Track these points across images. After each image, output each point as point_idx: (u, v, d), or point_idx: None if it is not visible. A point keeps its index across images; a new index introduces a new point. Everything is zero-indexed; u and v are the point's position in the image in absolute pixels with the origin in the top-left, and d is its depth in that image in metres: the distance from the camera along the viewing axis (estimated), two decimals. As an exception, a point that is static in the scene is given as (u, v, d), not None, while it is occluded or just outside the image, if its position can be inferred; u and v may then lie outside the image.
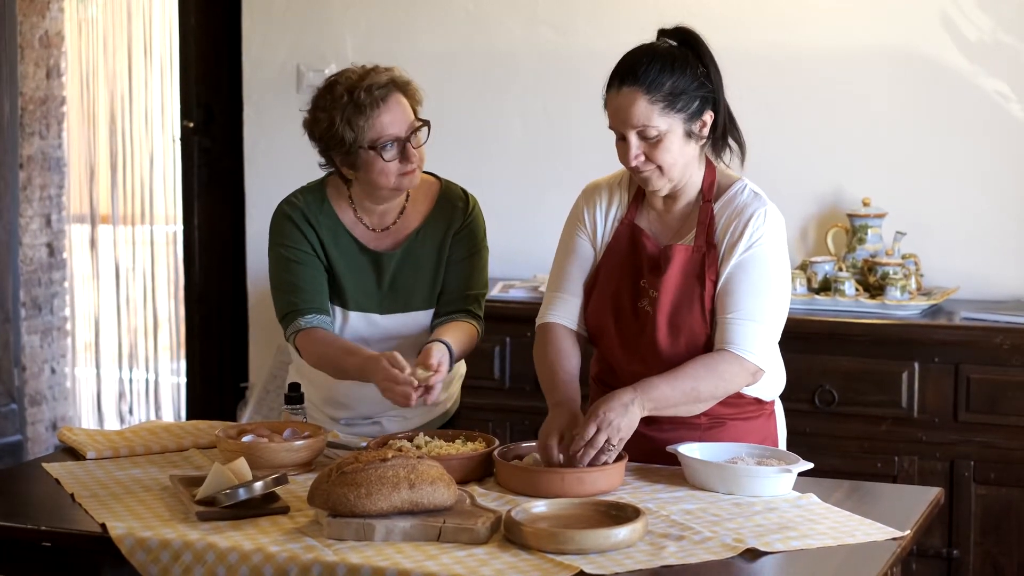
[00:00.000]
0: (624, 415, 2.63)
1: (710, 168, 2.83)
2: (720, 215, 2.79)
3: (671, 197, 2.82)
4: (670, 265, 2.78)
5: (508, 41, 4.68)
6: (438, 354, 2.86)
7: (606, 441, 2.61)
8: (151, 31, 6.17)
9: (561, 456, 2.67)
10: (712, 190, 2.81)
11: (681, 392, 2.70)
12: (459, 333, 3.00)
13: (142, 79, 6.20)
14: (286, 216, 3.07)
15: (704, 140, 2.78)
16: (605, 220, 2.89)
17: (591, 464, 2.62)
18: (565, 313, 2.90)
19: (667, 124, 2.71)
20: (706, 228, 2.78)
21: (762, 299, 2.73)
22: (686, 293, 2.77)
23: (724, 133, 2.82)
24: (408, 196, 3.10)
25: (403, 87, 3.00)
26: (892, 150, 4.33)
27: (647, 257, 2.82)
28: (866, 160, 4.35)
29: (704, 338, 2.77)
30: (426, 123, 3.00)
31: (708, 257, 2.77)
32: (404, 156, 2.96)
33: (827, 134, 4.39)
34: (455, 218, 3.09)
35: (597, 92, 2.78)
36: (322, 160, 3.05)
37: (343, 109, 2.94)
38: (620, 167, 2.84)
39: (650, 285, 2.80)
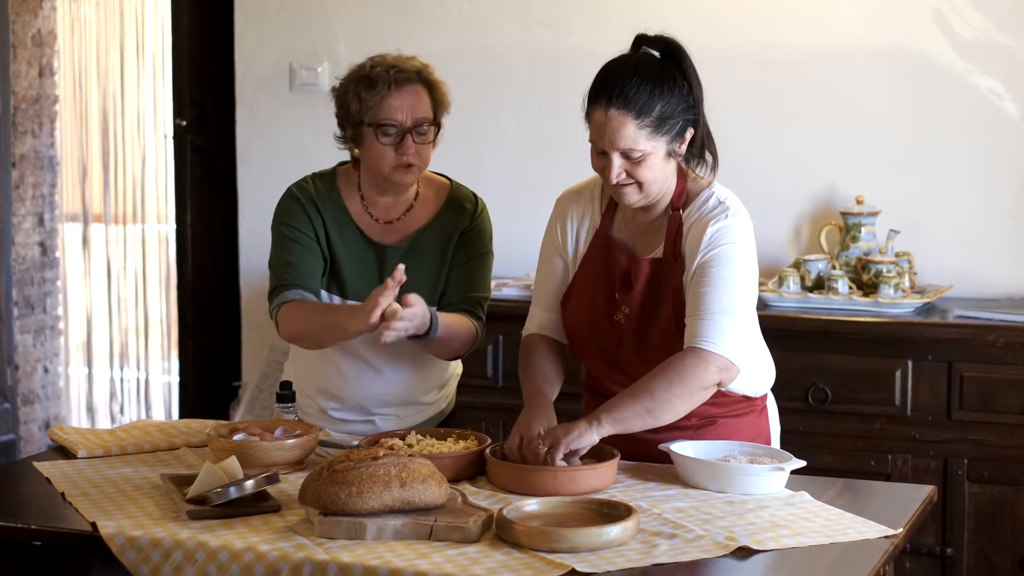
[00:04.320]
0: (565, 428, 2.65)
1: (681, 177, 2.81)
2: (687, 223, 2.78)
3: (644, 208, 2.81)
4: (638, 280, 2.78)
5: (502, 40, 4.68)
6: (417, 298, 2.84)
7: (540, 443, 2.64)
8: (144, 30, 6.16)
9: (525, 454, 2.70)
10: (681, 199, 2.80)
11: (633, 398, 2.67)
12: (452, 317, 3.00)
13: (135, 78, 6.19)
14: (294, 197, 3.08)
15: (681, 156, 2.78)
16: (578, 231, 2.89)
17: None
18: (544, 325, 2.93)
19: (652, 146, 2.70)
20: (674, 237, 2.78)
21: (726, 293, 2.70)
22: (655, 306, 2.77)
23: (702, 148, 2.80)
24: (417, 194, 3.10)
25: (430, 84, 3.00)
26: (886, 148, 4.33)
27: (620, 270, 2.82)
28: (860, 158, 4.35)
29: (677, 348, 2.75)
30: (437, 124, 3.00)
31: (674, 268, 2.77)
32: (401, 146, 2.96)
33: (820, 132, 4.38)
34: (462, 219, 3.09)
35: (594, 77, 2.76)
36: (338, 132, 3.05)
37: (358, 80, 2.97)
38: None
39: (622, 300, 2.80)
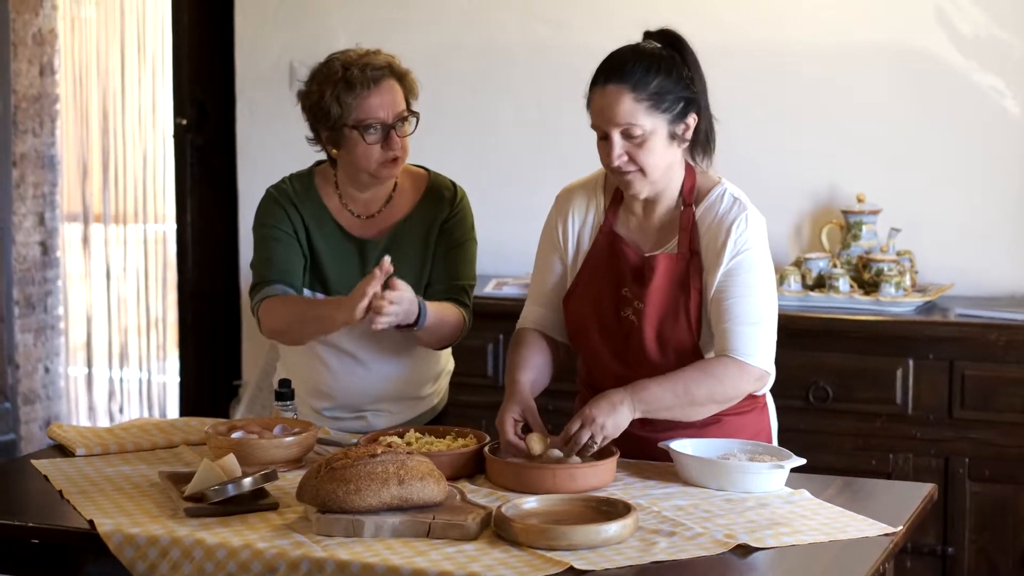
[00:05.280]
0: (611, 415, 2.63)
1: (689, 171, 2.80)
2: (702, 221, 2.77)
3: (651, 202, 2.80)
4: (655, 276, 2.76)
5: (503, 36, 4.67)
6: (404, 284, 2.83)
7: (589, 438, 2.62)
8: (144, 28, 6.16)
9: (515, 438, 2.68)
10: (692, 194, 2.79)
11: (674, 394, 2.67)
12: (439, 305, 2.99)
13: (135, 76, 6.19)
14: (272, 198, 3.09)
15: (686, 144, 2.76)
16: (581, 229, 2.87)
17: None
18: (539, 321, 2.91)
19: (652, 124, 2.68)
20: (688, 234, 2.76)
21: (755, 301, 2.72)
22: (671, 303, 2.76)
23: (707, 138, 2.79)
24: (396, 186, 3.10)
25: (400, 75, 3.00)
26: (886, 146, 4.32)
27: (629, 266, 2.80)
28: (860, 156, 4.34)
29: (691, 346, 2.76)
30: (415, 114, 3.00)
31: (692, 265, 2.76)
32: (387, 142, 2.96)
33: (821, 130, 4.37)
34: (442, 208, 3.09)
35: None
36: (310, 135, 3.05)
37: (335, 84, 2.95)
38: (598, 168, 2.83)
39: (634, 296, 2.78)
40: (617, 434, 2.64)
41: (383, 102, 2.95)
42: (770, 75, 4.40)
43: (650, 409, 2.67)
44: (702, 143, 2.79)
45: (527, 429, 2.73)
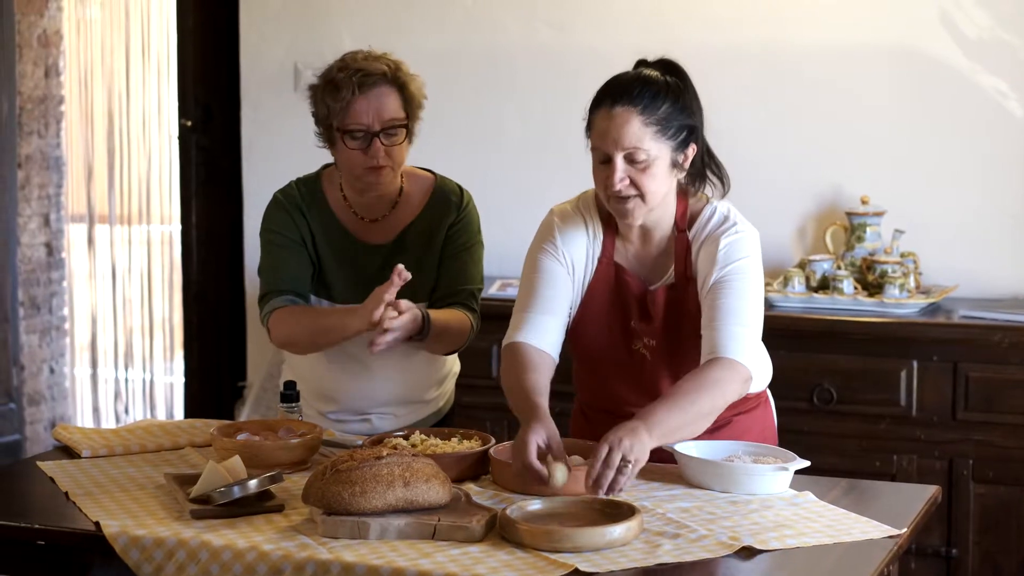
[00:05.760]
0: (636, 439, 2.49)
1: (681, 197, 2.78)
2: (695, 241, 2.76)
3: (647, 231, 2.78)
4: (659, 310, 2.76)
5: (506, 40, 4.68)
6: (407, 304, 2.82)
7: (623, 461, 2.46)
8: (149, 30, 6.17)
9: (537, 463, 2.52)
10: (685, 219, 2.77)
11: (683, 411, 2.58)
12: (443, 312, 2.98)
13: (140, 78, 6.20)
14: (278, 203, 3.09)
15: (683, 173, 2.74)
16: (585, 256, 2.81)
17: (609, 488, 2.47)
18: (536, 334, 2.77)
19: (657, 150, 2.65)
20: (684, 259, 2.76)
21: (746, 305, 2.69)
22: (678, 332, 2.76)
23: (703, 167, 2.77)
24: (402, 191, 3.09)
25: (400, 83, 2.96)
26: (891, 148, 4.32)
27: (634, 299, 2.78)
28: (865, 158, 4.34)
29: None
30: (405, 125, 2.96)
31: (689, 290, 2.75)
32: (370, 149, 2.94)
33: (826, 132, 4.38)
34: (449, 213, 3.08)
35: (595, 91, 2.75)
36: (316, 128, 3.04)
37: (325, 85, 2.95)
38: (583, 190, 2.82)
39: (643, 332, 2.78)
40: (644, 460, 2.51)
41: (368, 108, 2.92)
42: (773, 77, 4.41)
43: (665, 432, 2.56)
44: (698, 172, 2.76)
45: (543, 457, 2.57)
